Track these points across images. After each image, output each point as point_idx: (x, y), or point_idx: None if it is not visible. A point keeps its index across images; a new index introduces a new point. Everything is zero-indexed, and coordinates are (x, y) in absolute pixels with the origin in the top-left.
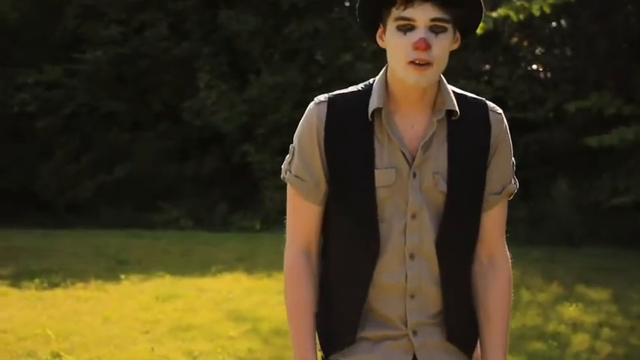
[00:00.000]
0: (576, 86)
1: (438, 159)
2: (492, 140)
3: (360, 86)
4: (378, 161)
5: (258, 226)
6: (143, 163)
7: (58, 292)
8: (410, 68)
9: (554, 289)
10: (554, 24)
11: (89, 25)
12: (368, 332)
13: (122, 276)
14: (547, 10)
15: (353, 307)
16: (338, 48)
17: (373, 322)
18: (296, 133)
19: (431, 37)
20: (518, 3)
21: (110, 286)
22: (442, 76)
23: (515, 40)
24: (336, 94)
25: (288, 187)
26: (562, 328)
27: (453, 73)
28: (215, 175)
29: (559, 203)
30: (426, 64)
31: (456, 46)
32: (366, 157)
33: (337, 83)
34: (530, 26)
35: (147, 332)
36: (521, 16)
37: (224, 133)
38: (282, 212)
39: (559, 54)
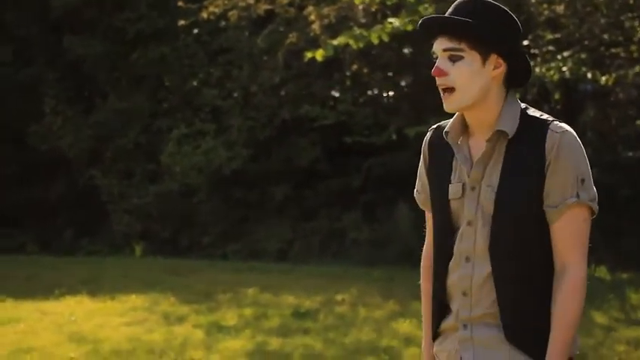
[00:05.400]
0: (416, 112)
1: (493, 174)
2: (546, 155)
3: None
4: (452, 177)
5: (105, 251)
6: None
7: None
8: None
9: (391, 306)
10: (395, 51)
11: None
12: (444, 325)
13: None
14: (385, 38)
15: (437, 303)
16: (184, 74)
17: (447, 316)
18: None
19: (447, 64)
20: (357, 31)
21: None
22: (511, 98)
23: (355, 67)
24: (443, 122)
25: None
26: (395, 343)
27: (296, 99)
28: (62, 200)
29: (401, 225)
30: (448, 90)
31: (497, 72)
32: (445, 173)
33: (184, 108)
34: (369, 54)
35: None
36: (361, 44)
37: (70, 157)
38: (129, 236)
39: (401, 80)
